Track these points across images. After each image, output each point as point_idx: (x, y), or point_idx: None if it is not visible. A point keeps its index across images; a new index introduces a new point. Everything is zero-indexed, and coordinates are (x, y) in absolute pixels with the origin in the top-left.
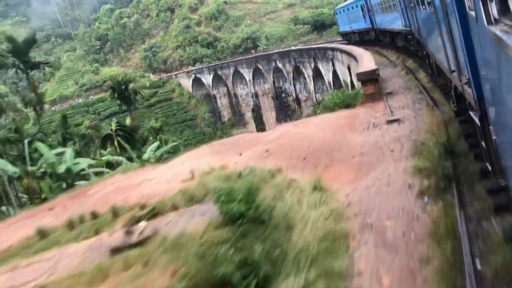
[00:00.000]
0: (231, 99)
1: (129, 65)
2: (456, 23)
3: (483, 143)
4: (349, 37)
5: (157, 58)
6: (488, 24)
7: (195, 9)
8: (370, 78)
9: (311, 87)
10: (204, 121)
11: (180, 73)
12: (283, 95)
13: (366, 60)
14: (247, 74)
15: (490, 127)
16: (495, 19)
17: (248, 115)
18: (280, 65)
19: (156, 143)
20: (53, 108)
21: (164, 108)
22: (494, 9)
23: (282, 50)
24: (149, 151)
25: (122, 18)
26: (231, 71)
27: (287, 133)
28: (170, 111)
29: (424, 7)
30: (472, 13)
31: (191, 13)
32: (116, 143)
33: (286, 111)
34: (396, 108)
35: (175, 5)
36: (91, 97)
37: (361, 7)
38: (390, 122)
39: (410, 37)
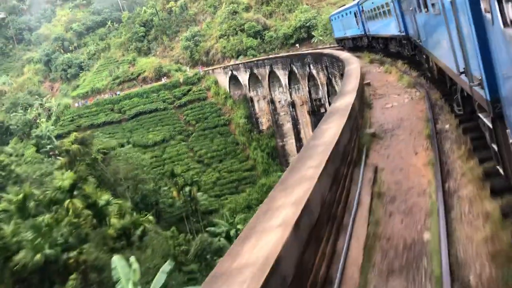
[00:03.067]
0: (269, 104)
1: (171, 55)
2: (469, 25)
3: (494, 146)
4: (343, 43)
5: (199, 49)
6: (504, 26)
7: None
8: None
9: None
10: (239, 128)
11: (217, 68)
12: (322, 110)
13: None
14: (283, 77)
15: (507, 130)
16: (511, 21)
17: (288, 126)
18: (314, 72)
19: None
20: (76, 104)
21: (196, 109)
22: (510, 12)
23: (315, 51)
24: None
25: (168, 2)
26: (267, 71)
27: None
28: (201, 114)
29: (426, 9)
30: (488, 15)
31: None
32: None
33: None
34: None
35: None
36: (118, 92)
37: (355, 13)
38: None
39: (406, 42)
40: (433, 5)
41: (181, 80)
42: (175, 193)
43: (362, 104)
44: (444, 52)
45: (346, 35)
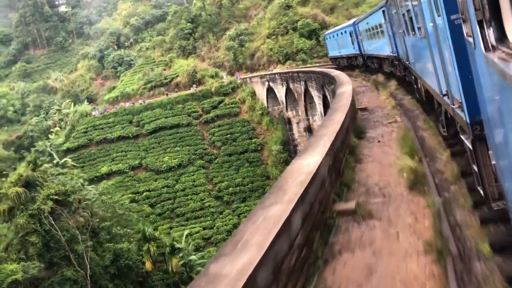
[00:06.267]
0: (306, 132)
1: (216, 56)
2: (449, 48)
3: (474, 167)
4: (338, 62)
5: (244, 50)
6: (486, 51)
7: None
8: None
9: None
10: (272, 156)
11: (255, 76)
12: None
13: None
14: (318, 101)
15: (489, 152)
16: (492, 46)
17: None
18: None
19: None
20: (93, 113)
21: (224, 127)
22: (491, 37)
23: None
24: None
25: None
26: (302, 89)
27: None
28: (230, 133)
29: (413, 32)
30: (470, 39)
31: None
32: None
33: None
34: None
35: None
36: (140, 101)
37: (350, 33)
38: None
39: (397, 62)
40: (419, 28)
41: (213, 90)
42: (148, 264)
43: None
44: (430, 74)
45: (341, 54)
